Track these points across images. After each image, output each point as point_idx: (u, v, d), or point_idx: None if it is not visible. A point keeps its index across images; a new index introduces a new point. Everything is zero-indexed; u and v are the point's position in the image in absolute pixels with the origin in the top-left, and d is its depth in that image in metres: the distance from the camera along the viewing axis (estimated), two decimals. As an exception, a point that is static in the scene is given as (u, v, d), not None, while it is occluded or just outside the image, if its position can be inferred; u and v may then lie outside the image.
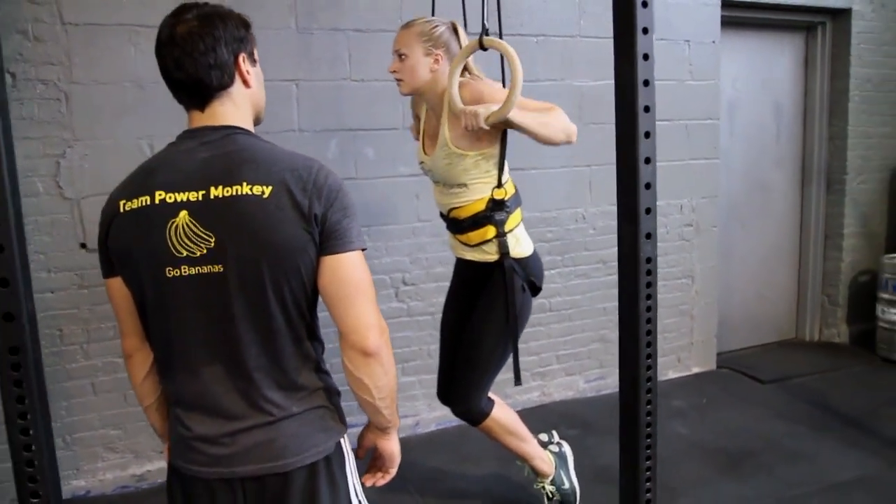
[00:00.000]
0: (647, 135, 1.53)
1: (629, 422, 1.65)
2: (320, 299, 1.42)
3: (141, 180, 1.37)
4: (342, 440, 1.50)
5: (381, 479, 1.67)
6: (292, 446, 1.40)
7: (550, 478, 2.77)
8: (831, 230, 5.02)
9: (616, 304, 4.04)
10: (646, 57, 1.51)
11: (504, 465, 3.16)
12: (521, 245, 2.40)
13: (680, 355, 4.45)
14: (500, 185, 2.30)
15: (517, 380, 2.50)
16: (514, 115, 2.08)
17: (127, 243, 1.35)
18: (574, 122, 3.83)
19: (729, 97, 4.62)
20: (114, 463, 3.19)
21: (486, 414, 2.51)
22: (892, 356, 4.67)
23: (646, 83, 1.52)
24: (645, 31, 1.50)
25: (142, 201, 1.33)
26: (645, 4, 1.49)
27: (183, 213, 1.31)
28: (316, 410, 1.44)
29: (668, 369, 4.41)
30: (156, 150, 3.03)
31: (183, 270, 1.32)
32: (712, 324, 4.55)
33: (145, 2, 2.97)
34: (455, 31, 2.36)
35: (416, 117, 2.58)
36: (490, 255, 2.36)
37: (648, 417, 1.63)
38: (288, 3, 3.16)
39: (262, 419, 1.39)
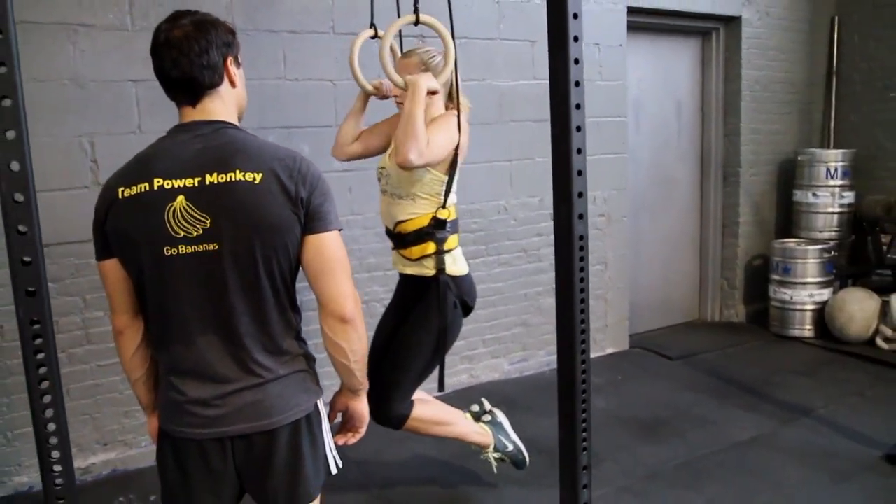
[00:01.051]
0: (579, 129, 1.76)
1: (567, 383, 1.88)
2: (300, 274, 1.60)
3: (139, 169, 1.51)
4: (319, 401, 1.68)
5: (352, 438, 1.87)
6: (278, 406, 1.57)
7: (492, 446, 2.94)
8: (728, 219, 5.48)
9: (536, 290, 4.35)
10: (576, 61, 1.73)
11: (439, 442, 3.36)
12: (457, 264, 2.59)
13: (595, 337, 4.78)
14: (444, 205, 2.51)
15: (440, 387, 2.66)
16: (417, 106, 2.32)
17: (126, 226, 1.49)
18: (495, 120, 4.11)
19: (635, 96, 4.98)
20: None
21: (406, 416, 2.63)
22: (784, 332, 5.16)
23: (577, 84, 1.74)
24: (576, 39, 1.72)
25: (141, 188, 1.47)
26: (575, 16, 1.72)
27: (180, 198, 1.46)
28: (298, 374, 1.62)
29: (586, 350, 4.71)
30: (96, 149, 3.13)
31: (181, 249, 1.47)
32: (624, 307, 4.90)
33: (83, 2, 3.04)
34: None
35: (377, 127, 2.74)
36: (428, 269, 2.54)
37: (584, 375, 1.87)
38: (224, 4, 3.28)
39: (252, 381, 1.55)
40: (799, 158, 5.29)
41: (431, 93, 2.40)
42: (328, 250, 1.55)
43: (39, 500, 3.09)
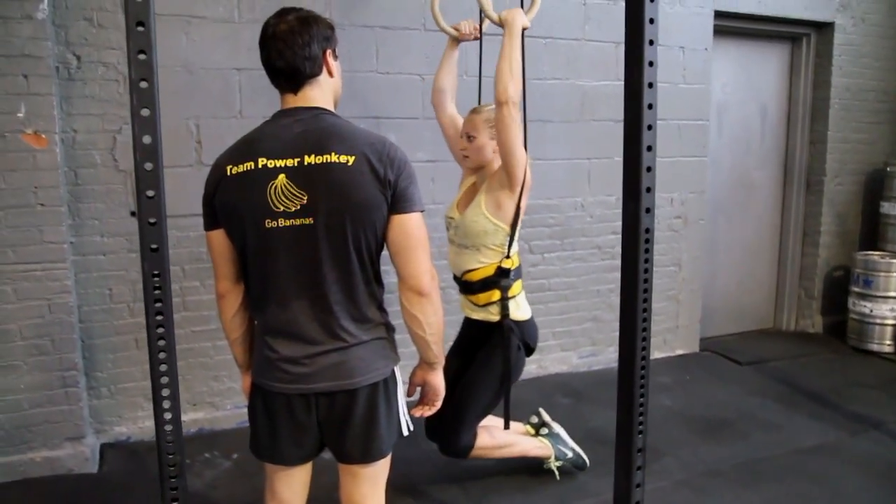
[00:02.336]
0: (650, 127, 1.87)
1: (627, 366, 1.99)
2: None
3: (245, 149, 1.71)
4: (395, 368, 1.85)
5: (429, 410, 2.04)
6: (360, 368, 1.75)
7: (553, 456, 3.13)
8: (809, 227, 5.41)
9: (608, 287, 4.44)
10: (651, 64, 1.85)
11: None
12: (520, 310, 2.76)
13: (666, 337, 4.82)
14: (508, 255, 2.67)
15: (506, 425, 2.86)
16: (516, 41, 2.45)
17: (233, 199, 1.69)
18: (576, 119, 4.22)
19: (718, 100, 4.98)
20: (152, 412, 3.49)
21: (471, 447, 2.84)
22: (862, 345, 5.06)
23: (650, 85, 1.86)
24: (651, 42, 1.84)
25: (247, 166, 1.67)
26: (652, 21, 1.83)
27: (281, 176, 1.64)
28: (379, 341, 1.80)
29: (655, 350, 4.77)
30: (201, 131, 3.39)
31: (280, 222, 1.65)
32: (697, 309, 4.92)
33: (197, -4, 3.31)
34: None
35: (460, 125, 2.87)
36: (493, 315, 2.72)
37: (643, 361, 1.98)
38: (324, 1, 3.49)
39: (337, 344, 1.73)
40: (888, 170, 5.16)
41: (525, 27, 2.50)
42: (411, 229, 1.71)
43: (135, 450, 3.41)
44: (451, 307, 3.22)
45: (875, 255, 5.10)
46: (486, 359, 2.77)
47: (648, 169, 1.92)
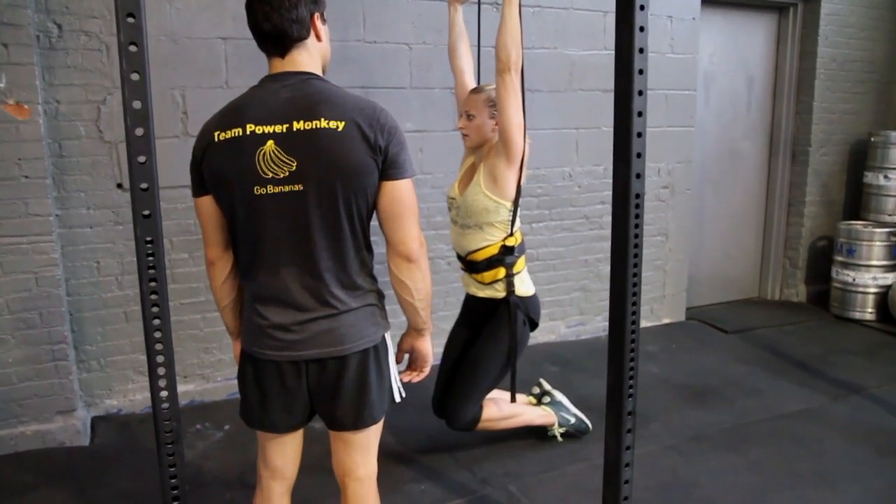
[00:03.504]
0: (640, 93, 1.87)
1: (617, 330, 2.01)
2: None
3: (233, 115, 1.69)
4: (386, 335, 1.86)
5: (417, 377, 2.05)
6: (350, 335, 1.75)
7: (556, 423, 3.19)
8: (794, 198, 5.45)
9: (596, 256, 4.46)
10: (641, 29, 1.84)
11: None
12: (524, 286, 2.81)
13: (653, 307, 4.86)
14: (511, 233, 2.70)
15: (512, 398, 2.93)
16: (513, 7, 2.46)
17: (221, 166, 1.67)
18: (564, 88, 4.21)
19: (705, 70, 4.98)
20: (143, 385, 3.49)
21: (478, 420, 2.89)
22: (844, 313, 5.13)
23: (641, 51, 1.85)
24: (642, 7, 1.83)
25: (234, 132, 1.65)
26: (642, -15, 1.83)
27: (270, 143, 1.63)
28: (369, 307, 1.80)
29: (642, 319, 4.74)
30: (187, 101, 3.36)
31: (269, 189, 1.64)
32: (683, 279, 4.96)
33: (180, -37, 3.26)
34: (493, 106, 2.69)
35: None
36: (499, 292, 2.76)
37: (633, 326, 2.00)
38: (310, -32, 3.45)
39: (327, 311, 1.73)
40: (872, 140, 5.20)
41: None
42: (402, 195, 1.71)
43: (126, 422, 3.41)
44: (438, 277, 3.21)
45: (858, 225, 5.15)
46: (492, 334, 2.81)
47: (639, 134, 1.92)
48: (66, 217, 3.23)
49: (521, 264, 2.78)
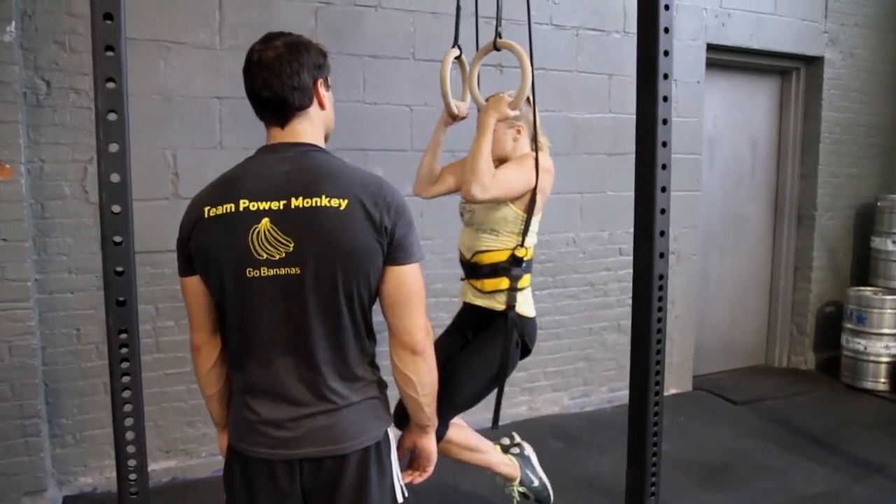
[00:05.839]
0: (664, 167, 1.74)
1: (638, 425, 1.85)
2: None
3: (225, 188, 1.53)
4: (389, 429, 1.67)
5: (419, 477, 1.86)
6: (350, 431, 1.57)
7: (518, 479, 2.87)
8: (801, 262, 5.32)
9: (601, 325, 4.28)
10: (665, 99, 1.72)
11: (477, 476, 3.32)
12: (526, 304, 2.59)
13: (658, 376, 4.67)
14: (522, 244, 2.51)
15: (495, 422, 2.64)
16: (483, 139, 2.36)
17: (210, 244, 1.51)
18: (568, 152, 4.09)
19: (709, 134, 4.90)
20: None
21: (441, 437, 2.59)
22: (856, 383, 4.94)
23: (664, 122, 1.73)
24: (665, 76, 1.71)
25: (226, 208, 1.49)
26: (666, 53, 1.71)
27: (265, 220, 1.47)
28: (370, 400, 1.62)
29: (647, 389, 4.62)
30: (178, 162, 3.22)
31: (262, 271, 1.48)
32: (690, 347, 4.79)
33: (175, 20, 3.16)
34: (529, 100, 2.54)
35: (459, 163, 2.71)
36: (498, 304, 2.53)
37: (656, 417, 1.83)
38: (310, 26, 3.36)
39: (325, 406, 1.55)
40: (879, 204, 5.10)
41: (502, 119, 2.41)
42: (408, 281, 1.55)
43: (101, 500, 3.18)
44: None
45: (867, 291, 5.01)
46: (482, 347, 2.56)
47: (662, 211, 1.78)
48: (46, 282, 3.06)
49: (525, 281, 2.56)
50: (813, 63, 5.06)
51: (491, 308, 2.55)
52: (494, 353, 2.52)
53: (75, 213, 3.09)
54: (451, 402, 2.53)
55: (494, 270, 2.51)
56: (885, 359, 4.85)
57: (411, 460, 1.84)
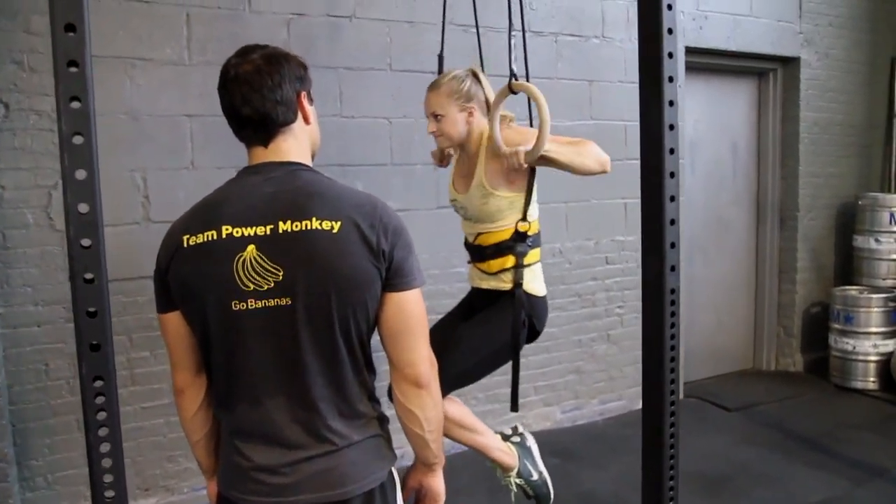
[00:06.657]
0: (672, 175, 1.64)
1: (654, 445, 1.74)
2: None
3: (205, 215, 1.40)
4: (393, 469, 1.54)
5: None
6: (352, 474, 1.43)
7: (516, 470, 2.67)
8: (785, 264, 5.28)
9: (590, 336, 4.19)
10: (671, 103, 1.62)
11: (494, 495, 3.20)
12: (535, 281, 2.44)
13: (649, 385, 4.58)
14: (524, 218, 2.37)
15: (513, 404, 2.49)
16: (551, 148, 2.19)
17: (191, 276, 1.37)
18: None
19: (690, 137, 4.84)
20: None
21: None
22: (846, 383, 4.91)
23: (671, 127, 1.63)
24: (671, 79, 1.61)
25: (207, 236, 1.36)
26: (671, 55, 1.61)
27: (251, 248, 1.34)
28: (373, 439, 1.48)
29: (638, 399, 4.53)
30: (148, 184, 3.07)
31: (250, 304, 1.34)
32: (680, 355, 4.70)
33: (140, 35, 3.01)
34: (477, 78, 2.42)
35: (441, 150, 2.60)
36: (505, 283, 2.39)
37: (672, 440, 1.73)
38: (282, 39, 3.23)
39: (324, 448, 1.41)
40: (860, 203, 5.09)
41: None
42: (409, 308, 1.42)
43: (78, 547, 2.99)
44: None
45: (853, 291, 4.99)
46: (486, 320, 2.41)
47: (672, 222, 1.68)
48: (10, 315, 2.89)
49: (534, 256, 2.42)
50: (789, 64, 5.05)
51: (497, 289, 2.41)
52: (496, 330, 2.39)
53: (39, 242, 2.92)
54: (448, 375, 2.27)
55: (499, 250, 2.39)
56: (873, 358, 4.83)
57: (417, 500, 1.71)
